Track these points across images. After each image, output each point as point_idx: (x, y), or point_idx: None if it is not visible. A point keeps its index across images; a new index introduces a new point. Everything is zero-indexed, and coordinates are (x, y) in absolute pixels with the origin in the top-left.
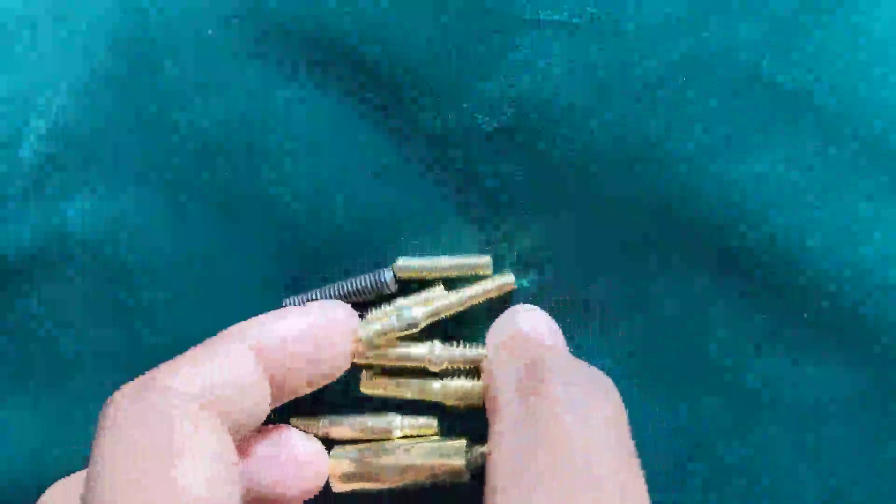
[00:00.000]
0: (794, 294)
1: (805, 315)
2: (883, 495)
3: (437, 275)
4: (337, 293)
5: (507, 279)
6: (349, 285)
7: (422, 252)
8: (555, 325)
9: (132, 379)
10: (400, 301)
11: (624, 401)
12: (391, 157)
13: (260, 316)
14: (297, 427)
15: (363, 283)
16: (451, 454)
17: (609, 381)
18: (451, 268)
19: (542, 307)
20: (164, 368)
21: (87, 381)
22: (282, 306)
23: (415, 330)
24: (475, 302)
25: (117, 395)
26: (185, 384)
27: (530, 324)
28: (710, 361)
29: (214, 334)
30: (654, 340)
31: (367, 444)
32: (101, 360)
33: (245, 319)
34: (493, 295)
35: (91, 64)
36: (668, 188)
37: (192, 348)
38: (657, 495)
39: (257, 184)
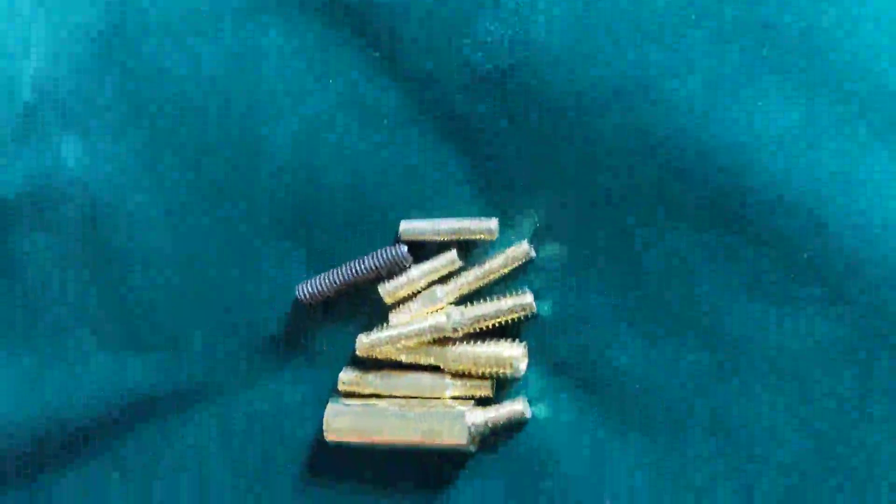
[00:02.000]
0: (778, 243)
1: (787, 263)
2: (865, 444)
3: (442, 238)
4: (350, 273)
5: (524, 249)
6: (363, 263)
7: (418, 206)
8: None
9: (103, 333)
10: (414, 272)
11: (610, 346)
12: (382, 99)
13: None
14: (344, 386)
15: (378, 261)
16: (454, 427)
17: None
18: (456, 231)
19: (536, 256)
20: None
21: (62, 332)
22: (294, 292)
23: (441, 309)
24: (496, 275)
25: None
26: None
27: None
28: (692, 309)
29: (183, 289)
30: (641, 288)
31: (367, 400)
32: (75, 313)
33: (224, 270)
34: (512, 266)
35: (70, 20)
36: (655, 130)
37: None
38: (644, 440)
39: (239, 132)
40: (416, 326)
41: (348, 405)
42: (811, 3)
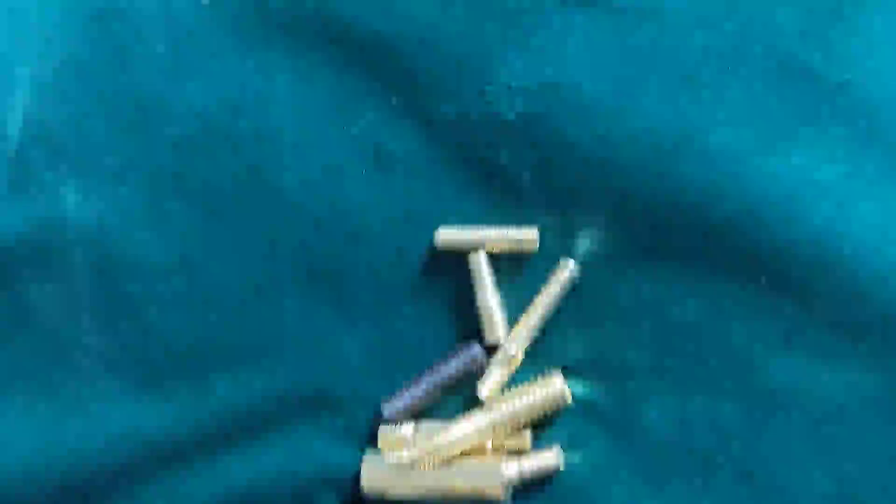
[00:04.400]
0: (816, 297)
1: (826, 318)
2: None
3: (481, 247)
4: (431, 385)
5: (571, 268)
6: (441, 373)
7: (441, 253)
8: None
9: (122, 379)
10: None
11: (645, 398)
12: (401, 144)
13: None
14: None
15: (454, 367)
16: (491, 481)
17: None
18: (495, 240)
19: (566, 305)
20: None
21: (79, 378)
22: (380, 410)
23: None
24: (552, 307)
25: None
26: None
27: None
28: (729, 361)
29: (202, 334)
30: (676, 340)
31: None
32: (92, 359)
33: (243, 314)
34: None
35: (58, 52)
36: (694, 183)
37: None
38: (678, 490)
39: (248, 175)
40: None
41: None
42: (853, 53)
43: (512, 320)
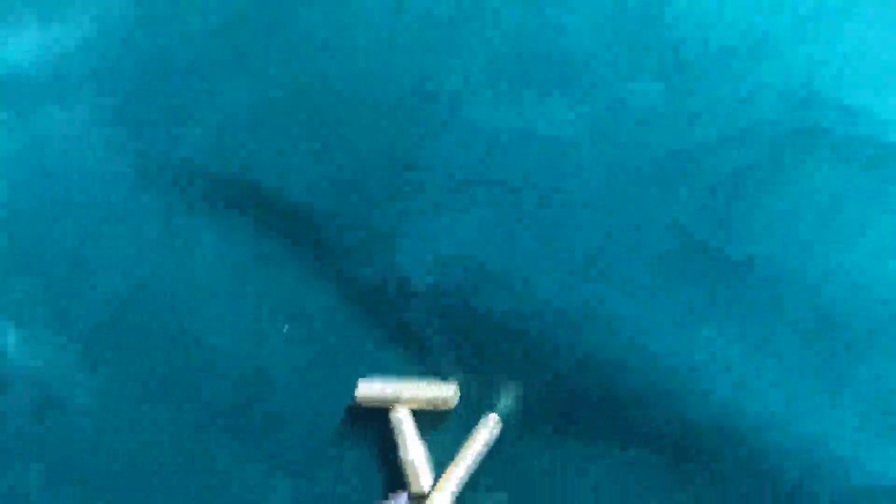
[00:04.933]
0: (721, 470)
1: (733, 492)
2: None
3: (400, 403)
4: None
5: (493, 428)
6: None
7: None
8: None
9: None
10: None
11: None
12: (320, 302)
13: None
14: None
15: None
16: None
17: None
18: (415, 397)
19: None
20: None
21: None
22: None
23: None
24: (476, 460)
25: None
26: None
27: None
28: None
29: (132, 484)
30: None
31: None
32: None
33: (177, 471)
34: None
35: None
36: (598, 355)
37: None
38: None
39: (174, 330)
40: None
41: None
42: (754, 232)
43: (437, 464)
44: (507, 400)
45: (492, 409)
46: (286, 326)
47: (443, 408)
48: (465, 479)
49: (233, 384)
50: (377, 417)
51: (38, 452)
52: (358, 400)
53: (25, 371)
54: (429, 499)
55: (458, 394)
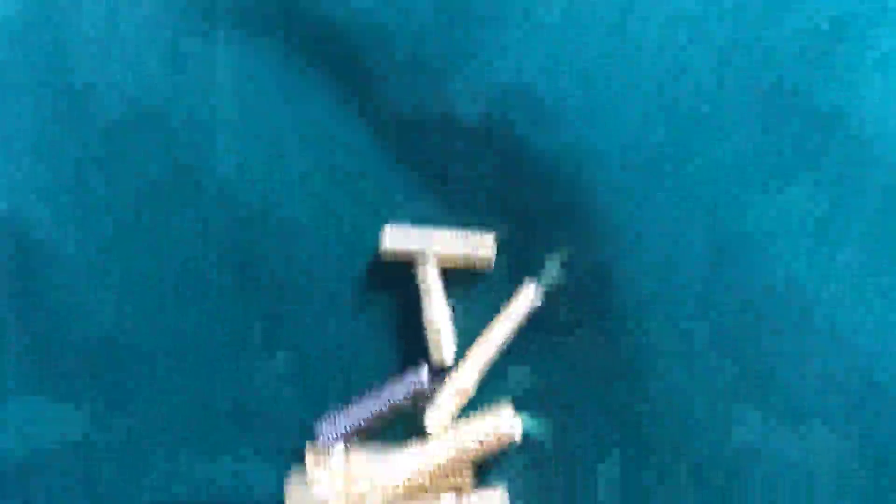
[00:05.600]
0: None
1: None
2: None
3: (431, 253)
4: (372, 410)
5: (533, 294)
6: (383, 399)
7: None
8: None
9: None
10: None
11: (596, 441)
12: (351, 139)
13: None
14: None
15: (399, 392)
16: None
17: None
18: (447, 244)
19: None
20: None
21: None
22: (314, 433)
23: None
24: (509, 335)
25: None
26: None
27: None
28: (693, 409)
29: (120, 334)
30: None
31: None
32: (5, 358)
33: (168, 316)
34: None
35: None
36: (673, 204)
37: None
38: None
39: (180, 165)
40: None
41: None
42: (847, 83)
43: (462, 341)
44: (552, 267)
45: (533, 276)
46: (311, 163)
47: (478, 267)
48: (495, 355)
49: (242, 226)
50: (403, 277)
51: (17, 309)
52: (383, 250)
53: (7, 215)
54: (452, 373)
55: (496, 253)
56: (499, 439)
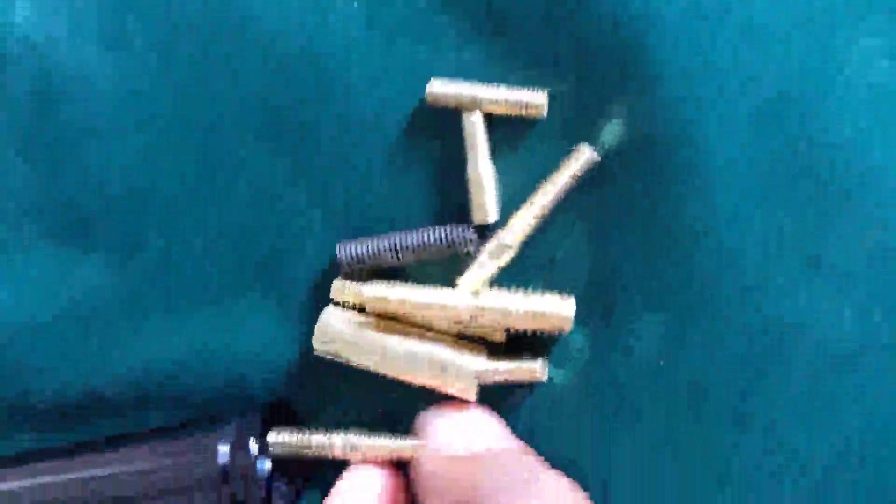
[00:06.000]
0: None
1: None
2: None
3: (478, 106)
4: (402, 245)
5: (587, 157)
6: (418, 238)
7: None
8: (493, 423)
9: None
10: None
11: (639, 317)
12: None
13: None
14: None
15: (436, 239)
16: (460, 381)
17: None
18: (496, 99)
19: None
20: None
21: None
22: (335, 254)
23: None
24: (558, 198)
25: None
26: None
27: (460, 438)
28: (736, 284)
29: (140, 178)
30: (682, 255)
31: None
32: (23, 199)
33: (193, 164)
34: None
35: None
36: (739, 62)
37: None
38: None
39: (216, 2)
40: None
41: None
42: None
43: (506, 203)
44: (611, 129)
45: (589, 139)
46: (356, 1)
47: (530, 115)
48: (542, 218)
49: (276, 69)
50: (446, 130)
51: (34, 145)
52: (429, 93)
53: (34, 44)
54: (494, 235)
55: (547, 104)
56: (550, 321)
